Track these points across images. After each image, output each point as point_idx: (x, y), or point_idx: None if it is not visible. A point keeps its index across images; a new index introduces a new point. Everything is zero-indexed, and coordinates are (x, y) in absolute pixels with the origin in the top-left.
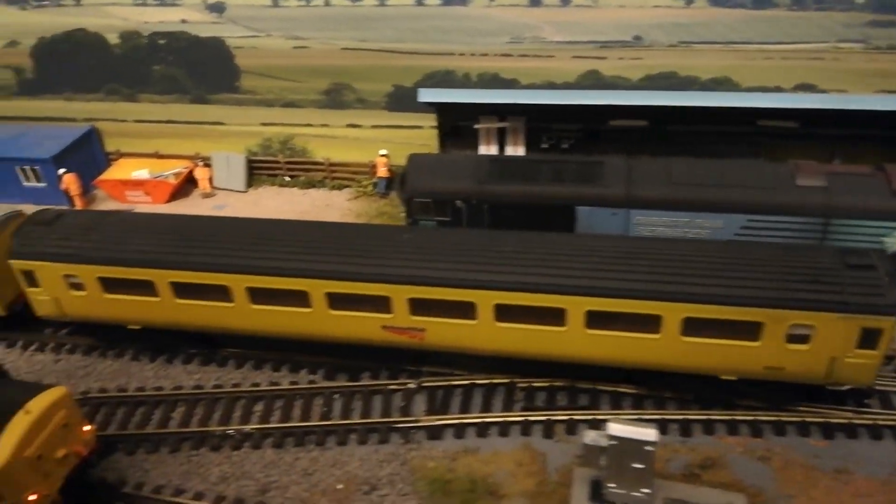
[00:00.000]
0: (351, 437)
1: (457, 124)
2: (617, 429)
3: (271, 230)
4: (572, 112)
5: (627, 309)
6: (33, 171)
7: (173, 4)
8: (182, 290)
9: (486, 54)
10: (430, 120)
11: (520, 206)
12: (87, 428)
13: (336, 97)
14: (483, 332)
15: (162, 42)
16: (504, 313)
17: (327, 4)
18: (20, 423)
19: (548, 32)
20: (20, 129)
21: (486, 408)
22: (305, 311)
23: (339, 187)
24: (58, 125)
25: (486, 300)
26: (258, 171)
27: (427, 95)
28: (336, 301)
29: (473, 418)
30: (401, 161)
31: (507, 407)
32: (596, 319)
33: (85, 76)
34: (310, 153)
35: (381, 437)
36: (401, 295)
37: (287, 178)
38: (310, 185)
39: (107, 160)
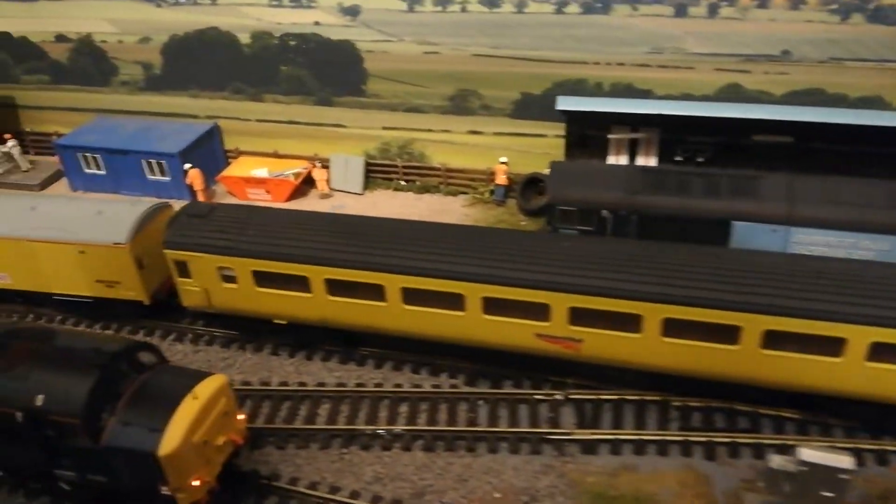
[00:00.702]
0: (501, 446)
1: (585, 133)
2: (810, 454)
3: (426, 232)
4: (712, 124)
5: (810, 330)
6: (159, 164)
7: (308, 6)
8: (335, 287)
9: (622, 63)
10: (554, 129)
11: (672, 219)
12: (241, 417)
13: (460, 103)
14: (647, 347)
15: (292, 43)
16: (672, 328)
17: (463, 10)
18: (189, 407)
19: (690, 43)
20: (145, 123)
21: (640, 425)
22: (459, 314)
23: (454, 193)
24: (181, 121)
25: (654, 313)
26: (374, 175)
27: (566, 103)
28: (491, 306)
29: (630, 435)
30: (520, 169)
31: (662, 425)
32: (774, 340)
33: (212, 74)
34: (427, 158)
35: (532, 447)
36: (561, 303)
37: (402, 183)
38: (424, 189)
39: (225, 158)
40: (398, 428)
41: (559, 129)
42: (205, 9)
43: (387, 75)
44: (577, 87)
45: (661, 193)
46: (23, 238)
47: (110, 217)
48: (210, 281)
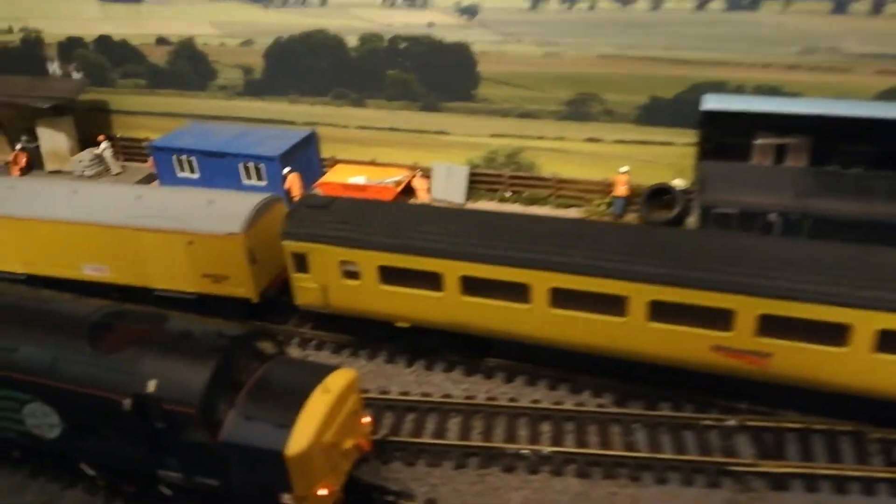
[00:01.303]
0: (671, 476)
1: (723, 141)
2: None
3: (577, 228)
4: (876, 129)
5: None
6: (256, 168)
7: (423, 7)
8: (471, 286)
9: (768, 65)
10: (684, 136)
11: (851, 224)
12: (366, 420)
13: (580, 108)
14: (855, 364)
15: (402, 46)
16: (891, 342)
17: (592, 8)
18: (320, 401)
19: (849, 43)
20: (241, 128)
21: (834, 458)
22: (618, 320)
23: (565, 206)
24: (278, 127)
25: (867, 323)
26: (477, 185)
27: (712, 102)
28: (659, 311)
29: (826, 469)
30: (642, 180)
31: (862, 460)
32: None
33: (314, 79)
34: (537, 168)
35: (709, 479)
36: (750, 310)
37: (507, 194)
38: (532, 201)
39: (321, 166)
40: (546, 449)
41: (690, 136)
42: (313, 10)
43: (500, 79)
44: (716, 91)
45: (840, 197)
46: (127, 226)
47: (223, 207)
48: (330, 276)
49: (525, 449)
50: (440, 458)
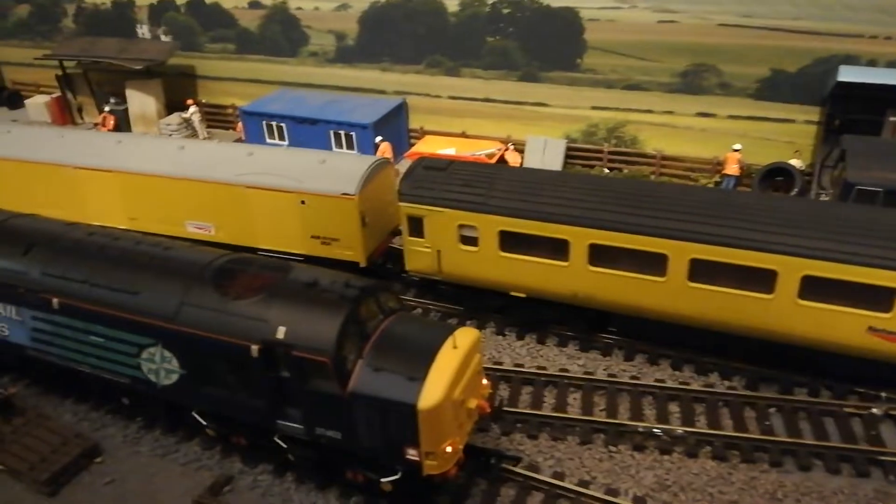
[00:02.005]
0: (815, 463)
1: (852, 117)
2: None
3: (715, 197)
4: None
5: None
6: (347, 136)
7: None
8: (600, 255)
9: None
10: (806, 113)
11: None
12: (485, 382)
13: (693, 80)
14: None
15: (506, 11)
16: None
17: None
18: (449, 357)
19: None
20: (331, 96)
21: None
22: (766, 297)
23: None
24: (369, 96)
25: None
26: (573, 160)
27: (849, 74)
28: (812, 289)
29: None
30: (755, 159)
31: None
32: None
33: (409, 46)
34: (640, 144)
35: (857, 468)
36: None
37: (606, 170)
38: (631, 178)
39: (408, 137)
40: (680, 429)
41: (812, 113)
42: None
43: (608, 47)
44: (844, 64)
45: None
46: (237, 184)
47: (336, 167)
48: (446, 241)
49: (657, 428)
50: (563, 432)
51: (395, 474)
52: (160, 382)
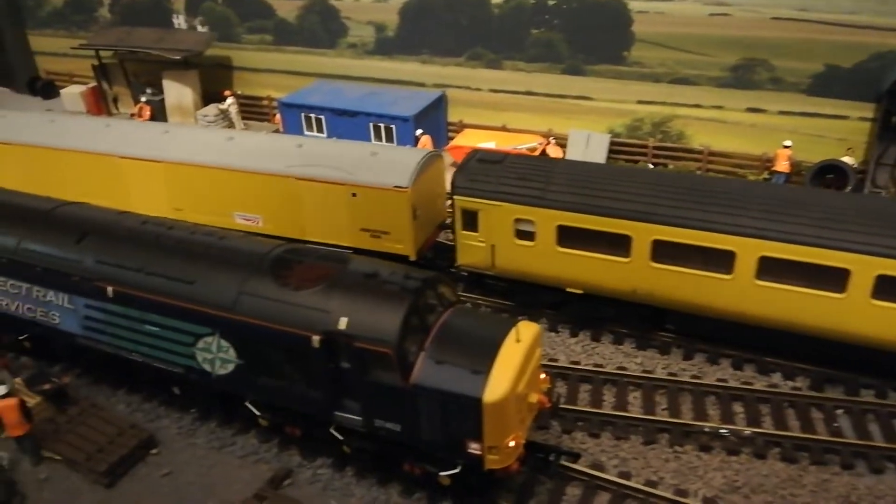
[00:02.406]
0: (888, 466)
1: None
2: None
3: (786, 193)
4: None
5: None
6: (388, 129)
7: None
8: (664, 252)
9: None
10: (860, 110)
11: None
12: (543, 377)
13: (744, 75)
14: None
15: (552, 3)
16: None
17: None
18: (513, 351)
19: None
20: (369, 88)
21: None
22: (838, 297)
23: None
24: (407, 88)
25: None
26: (615, 155)
27: None
28: (886, 288)
29: None
30: (805, 157)
31: None
32: None
33: (450, 38)
34: (686, 139)
35: None
36: None
37: (650, 166)
38: None
39: (447, 131)
40: (746, 430)
41: (867, 110)
42: None
43: (657, 40)
44: None
45: None
46: (288, 175)
47: (387, 159)
48: (501, 236)
49: (724, 428)
50: (626, 431)
51: (455, 468)
52: (215, 372)
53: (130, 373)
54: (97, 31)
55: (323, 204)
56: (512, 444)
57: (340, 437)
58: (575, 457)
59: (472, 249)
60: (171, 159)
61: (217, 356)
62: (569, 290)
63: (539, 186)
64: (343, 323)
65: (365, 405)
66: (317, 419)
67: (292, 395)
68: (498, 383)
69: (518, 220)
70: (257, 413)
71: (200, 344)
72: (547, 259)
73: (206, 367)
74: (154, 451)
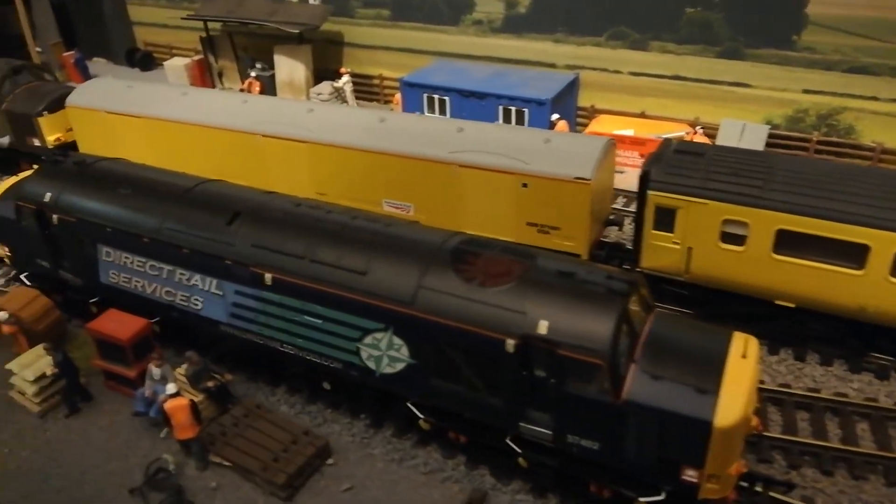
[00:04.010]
0: None
1: None
2: None
3: None
4: None
5: None
6: (519, 112)
7: None
8: None
9: None
10: None
11: None
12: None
13: None
14: None
15: None
16: None
17: None
18: (741, 368)
19: None
20: (496, 68)
21: None
22: None
23: None
24: (537, 69)
25: None
26: (771, 149)
27: None
28: None
29: None
30: None
31: None
32: None
33: (591, 15)
34: (856, 134)
35: None
36: None
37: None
38: None
39: (576, 116)
40: None
41: None
42: None
43: (834, 24)
44: None
45: None
46: (450, 161)
47: (564, 148)
48: (702, 238)
49: None
50: (862, 469)
51: (658, 494)
52: (380, 370)
53: (272, 363)
54: (205, 1)
55: (487, 194)
56: (734, 472)
57: (518, 450)
58: (788, 487)
59: (662, 251)
60: (317, 140)
61: (386, 353)
62: (778, 302)
63: (757, 184)
64: (543, 327)
65: (558, 418)
66: (492, 427)
67: (469, 400)
68: (730, 406)
69: (727, 222)
70: (420, 416)
71: (368, 339)
72: (758, 266)
73: (371, 364)
74: (330, 461)
